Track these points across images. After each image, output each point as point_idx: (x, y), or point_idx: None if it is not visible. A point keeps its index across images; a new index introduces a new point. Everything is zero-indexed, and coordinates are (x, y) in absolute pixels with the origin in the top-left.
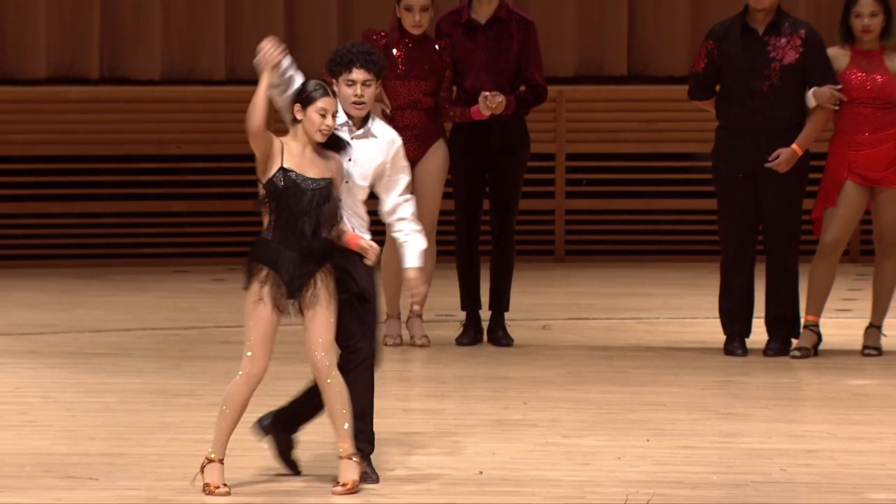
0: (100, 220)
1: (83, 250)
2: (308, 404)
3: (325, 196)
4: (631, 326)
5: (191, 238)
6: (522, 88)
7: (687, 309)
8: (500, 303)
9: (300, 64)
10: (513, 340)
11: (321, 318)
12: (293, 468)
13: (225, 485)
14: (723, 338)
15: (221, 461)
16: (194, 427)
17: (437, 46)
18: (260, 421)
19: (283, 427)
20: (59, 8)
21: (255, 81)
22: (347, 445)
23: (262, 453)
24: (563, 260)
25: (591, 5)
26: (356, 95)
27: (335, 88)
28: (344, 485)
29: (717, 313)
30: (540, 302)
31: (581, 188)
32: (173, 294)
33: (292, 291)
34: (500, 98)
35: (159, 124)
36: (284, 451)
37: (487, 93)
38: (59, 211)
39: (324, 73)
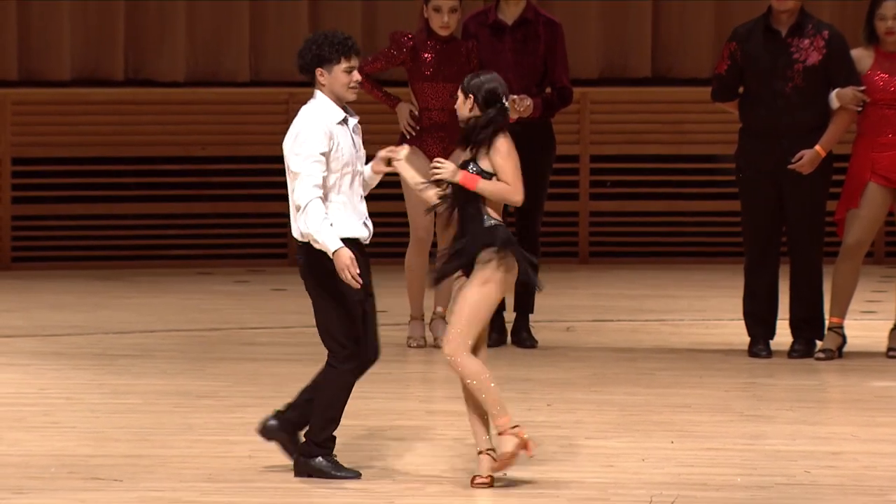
0: (124, 221)
1: (107, 252)
2: (309, 406)
3: None
4: (655, 328)
5: (214, 240)
6: (548, 90)
7: (711, 311)
8: (525, 304)
9: None
10: (537, 342)
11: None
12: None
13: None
14: (747, 339)
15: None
16: (217, 428)
17: (463, 48)
18: (265, 424)
19: (290, 431)
20: (83, 10)
21: (278, 83)
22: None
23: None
24: (587, 261)
25: (615, 7)
26: (356, 81)
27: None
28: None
29: (741, 315)
30: (564, 303)
31: (605, 190)
32: (197, 296)
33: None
34: (528, 102)
35: (184, 126)
36: (292, 451)
37: (515, 96)
38: (83, 212)
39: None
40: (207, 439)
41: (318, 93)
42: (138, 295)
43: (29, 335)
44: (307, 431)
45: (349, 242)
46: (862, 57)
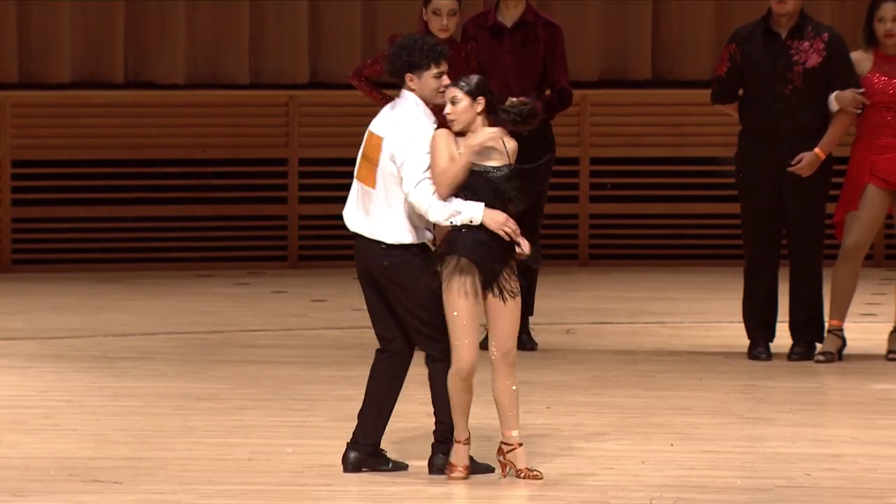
0: (124, 224)
1: (107, 254)
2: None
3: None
4: (655, 331)
5: (215, 242)
6: (548, 92)
7: (711, 313)
8: (525, 307)
9: (323, 67)
10: (537, 344)
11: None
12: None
13: (466, 467)
14: (747, 342)
15: (465, 441)
16: (218, 431)
17: (462, 51)
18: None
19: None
20: (83, 12)
21: (278, 85)
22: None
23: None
24: (587, 264)
25: (615, 9)
26: (445, 85)
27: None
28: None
29: (741, 317)
30: (564, 306)
31: (605, 192)
32: (197, 298)
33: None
34: (528, 105)
35: (183, 128)
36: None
37: (514, 99)
38: (83, 215)
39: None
40: (207, 442)
41: (409, 94)
42: (138, 297)
43: (29, 338)
44: (448, 429)
45: (419, 247)
46: (861, 59)
